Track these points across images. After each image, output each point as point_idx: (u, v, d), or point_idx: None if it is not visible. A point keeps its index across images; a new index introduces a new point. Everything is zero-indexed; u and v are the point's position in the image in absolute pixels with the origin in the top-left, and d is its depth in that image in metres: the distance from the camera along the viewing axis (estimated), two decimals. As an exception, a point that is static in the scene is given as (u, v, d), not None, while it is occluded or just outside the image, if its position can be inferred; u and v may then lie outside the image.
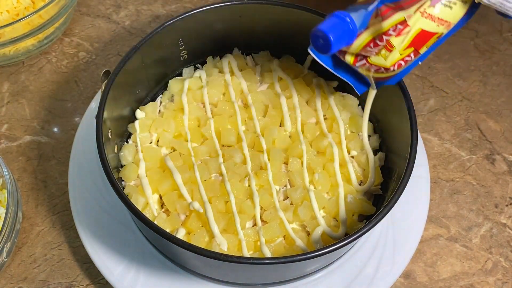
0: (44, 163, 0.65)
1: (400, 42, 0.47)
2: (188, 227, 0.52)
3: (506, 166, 0.66)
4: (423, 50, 0.49)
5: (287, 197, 0.55)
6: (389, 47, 0.47)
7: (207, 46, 0.62)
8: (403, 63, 0.49)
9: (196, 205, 0.52)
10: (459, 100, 0.71)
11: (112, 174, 0.47)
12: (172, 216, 0.52)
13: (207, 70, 0.63)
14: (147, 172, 0.55)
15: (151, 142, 0.58)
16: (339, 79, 0.63)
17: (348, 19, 0.44)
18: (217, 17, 0.58)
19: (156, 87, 0.62)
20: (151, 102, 0.61)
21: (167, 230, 0.50)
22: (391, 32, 0.46)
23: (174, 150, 0.57)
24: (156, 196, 0.54)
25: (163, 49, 0.58)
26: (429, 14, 0.46)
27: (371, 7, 0.44)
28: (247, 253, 0.50)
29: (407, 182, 0.47)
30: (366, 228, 0.45)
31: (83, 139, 0.61)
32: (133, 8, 0.79)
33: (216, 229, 0.51)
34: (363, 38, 0.47)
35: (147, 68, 0.58)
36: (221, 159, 0.55)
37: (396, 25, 0.45)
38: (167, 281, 0.54)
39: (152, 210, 0.53)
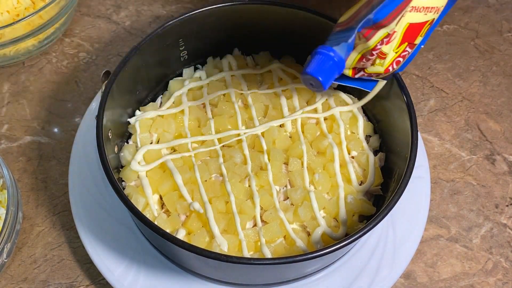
0: (44, 163, 0.65)
1: (391, 47, 0.46)
2: (188, 227, 0.52)
3: (506, 167, 0.66)
4: (418, 40, 0.47)
5: (287, 198, 0.55)
6: (382, 56, 0.46)
7: (207, 47, 0.62)
8: (401, 59, 0.47)
9: (197, 205, 0.52)
10: (459, 100, 0.71)
11: (113, 175, 0.47)
12: (172, 217, 0.52)
13: (207, 70, 0.63)
14: (148, 173, 0.55)
15: (151, 143, 0.58)
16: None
17: (332, 54, 0.44)
18: (217, 17, 0.58)
19: (156, 88, 0.62)
20: (151, 103, 0.61)
21: (167, 231, 0.50)
22: (378, 46, 0.45)
23: (174, 151, 0.57)
24: (156, 197, 0.54)
25: (163, 49, 0.58)
26: (413, 7, 0.44)
27: (350, 39, 0.43)
28: (247, 253, 0.50)
29: (407, 183, 0.47)
30: (367, 229, 0.45)
31: (84, 140, 0.61)
32: (133, 8, 0.79)
33: (216, 230, 0.51)
34: (353, 57, 0.46)
35: (148, 69, 0.58)
36: (221, 160, 0.55)
37: (382, 40, 0.44)
38: (167, 282, 0.54)
39: (152, 211, 0.53)
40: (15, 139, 0.67)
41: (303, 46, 0.63)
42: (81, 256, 0.59)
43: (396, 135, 0.55)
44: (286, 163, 0.56)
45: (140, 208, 0.53)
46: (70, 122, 0.68)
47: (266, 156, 0.55)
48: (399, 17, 0.43)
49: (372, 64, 0.47)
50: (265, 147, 0.56)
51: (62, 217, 0.61)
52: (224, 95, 0.61)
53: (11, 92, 0.71)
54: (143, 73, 0.58)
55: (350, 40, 0.43)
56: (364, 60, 0.46)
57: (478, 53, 0.76)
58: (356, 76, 0.49)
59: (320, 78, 0.43)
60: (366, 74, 0.48)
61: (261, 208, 0.53)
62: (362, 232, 0.45)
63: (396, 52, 0.46)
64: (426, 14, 0.45)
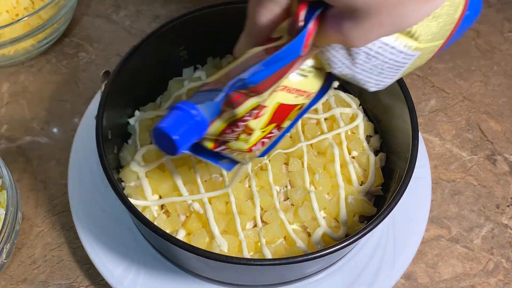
0: (43, 164, 0.65)
1: (258, 123, 0.40)
2: (188, 228, 0.52)
3: (507, 167, 0.66)
4: (286, 124, 0.43)
5: (288, 198, 0.54)
6: (249, 131, 0.40)
7: (207, 47, 0.62)
8: (266, 140, 0.42)
9: (196, 206, 0.52)
10: (460, 100, 0.71)
11: (112, 175, 0.47)
12: (172, 217, 0.52)
13: (207, 70, 0.62)
14: (147, 173, 0.55)
15: (150, 143, 0.58)
16: (339, 79, 0.63)
17: (194, 112, 0.36)
18: (217, 17, 0.58)
19: (156, 88, 0.62)
20: (151, 103, 0.61)
21: (167, 231, 0.50)
22: (247, 117, 0.38)
23: (174, 151, 0.57)
24: (156, 197, 0.54)
25: (163, 49, 0.58)
26: (284, 86, 0.40)
27: (218, 98, 0.36)
28: (247, 254, 0.50)
29: (408, 183, 0.47)
30: (367, 229, 0.45)
31: (83, 140, 0.61)
32: (133, 8, 0.79)
33: (216, 230, 0.50)
34: (217, 125, 0.39)
35: (147, 69, 0.58)
36: (221, 160, 0.55)
37: (251, 111, 0.38)
38: (167, 283, 0.54)
39: (152, 211, 0.53)
40: (14, 139, 0.67)
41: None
42: (81, 257, 0.59)
43: (396, 135, 0.55)
44: (286, 163, 0.56)
45: (139, 208, 0.52)
46: (69, 122, 0.68)
47: (266, 156, 0.55)
48: (273, 88, 0.38)
49: (237, 139, 0.40)
50: (265, 147, 0.56)
51: (61, 218, 0.61)
52: (224, 95, 0.60)
53: (11, 92, 0.71)
54: (143, 73, 0.58)
55: (217, 99, 0.36)
56: (229, 131, 0.39)
57: (479, 53, 0.76)
58: (217, 149, 0.42)
59: (175, 137, 0.35)
60: (228, 150, 0.42)
61: (261, 209, 0.53)
62: (363, 232, 0.45)
63: (263, 131, 0.41)
64: (297, 97, 0.41)
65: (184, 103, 0.36)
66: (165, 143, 0.36)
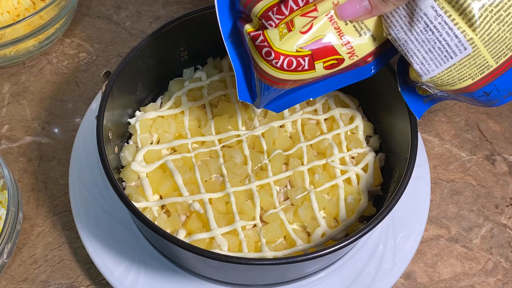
0: (44, 163, 0.65)
1: (301, 26, 0.41)
2: (188, 227, 0.52)
3: (506, 167, 0.66)
4: (318, 66, 0.43)
5: (288, 198, 0.55)
6: (290, 25, 0.41)
7: (207, 47, 0.62)
8: (294, 61, 0.42)
9: (197, 205, 0.52)
10: (459, 100, 0.71)
11: (113, 175, 0.47)
12: (172, 217, 0.52)
13: (207, 71, 0.63)
14: (148, 173, 0.55)
15: (151, 143, 0.58)
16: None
17: None
18: (218, 18, 0.58)
19: (156, 88, 0.62)
20: (151, 103, 0.61)
21: (168, 231, 0.50)
22: (299, 0, 0.40)
23: (174, 151, 0.57)
24: (157, 197, 0.54)
25: (164, 50, 0.58)
26: (338, 27, 0.42)
27: None
28: (247, 253, 0.50)
29: (407, 183, 0.47)
30: (367, 229, 0.45)
31: (84, 140, 0.61)
32: (133, 9, 0.79)
33: (216, 230, 0.51)
34: None
35: (148, 69, 0.58)
36: (221, 160, 0.55)
37: None
38: (167, 282, 0.54)
39: (152, 211, 0.53)
40: (15, 139, 0.67)
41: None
42: (82, 257, 0.59)
43: (396, 136, 0.55)
44: (286, 163, 0.56)
45: (140, 208, 0.53)
46: (70, 122, 0.68)
47: (266, 156, 0.55)
48: None
49: (276, 26, 0.41)
50: (265, 147, 0.56)
51: (62, 218, 0.61)
52: (224, 95, 0.61)
53: (12, 92, 0.71)
54: (143, 73, 0.58)
55: None
56: (275, 10, 0.41)
57: (478, 54, 0.76)
58: (252, 34, 0.43)
59: None
60: (261, 37, 0.42)
61: (261, 209, 0.53)
62: (362, 232, 0.45)
63: (296, 51, 0.42)
64: (342, 45, 0.43)
65: None
66: None
